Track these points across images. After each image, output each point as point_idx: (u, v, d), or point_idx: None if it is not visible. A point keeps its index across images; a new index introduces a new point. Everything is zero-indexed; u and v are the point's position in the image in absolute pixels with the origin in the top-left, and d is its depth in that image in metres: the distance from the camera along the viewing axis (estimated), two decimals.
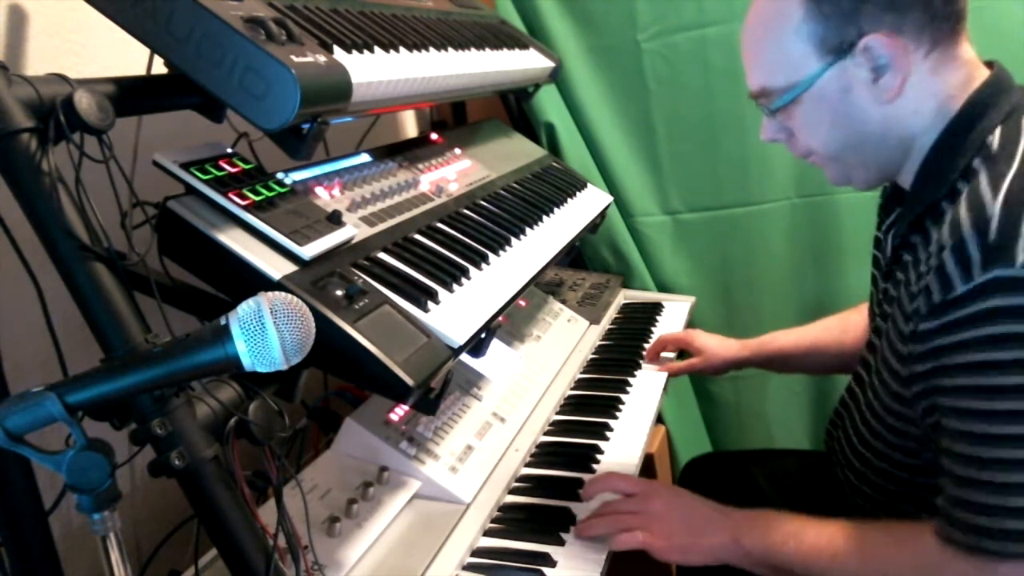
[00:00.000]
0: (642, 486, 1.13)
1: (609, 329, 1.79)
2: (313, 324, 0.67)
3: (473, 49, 1.39)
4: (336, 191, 1.12)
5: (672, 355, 1.66)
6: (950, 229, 0.85)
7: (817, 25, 0.93)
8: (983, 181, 0.87)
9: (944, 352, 0.86)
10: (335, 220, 1.00)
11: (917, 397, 0.94)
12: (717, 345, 1.58)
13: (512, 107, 2.07)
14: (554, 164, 1.78)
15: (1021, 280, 0.79)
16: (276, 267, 0.89)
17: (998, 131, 0.91)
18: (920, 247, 0.96)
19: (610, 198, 1.82)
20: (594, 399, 1.49)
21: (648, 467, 1.79)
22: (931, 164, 0.96)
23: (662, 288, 2.04)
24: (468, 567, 1.04)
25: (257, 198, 0.95)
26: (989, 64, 0.99)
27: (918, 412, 0.95)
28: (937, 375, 0.88)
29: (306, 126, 0.91)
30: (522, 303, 1.67)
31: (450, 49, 1.30)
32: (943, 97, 0.95)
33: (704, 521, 1.06)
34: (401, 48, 1.16)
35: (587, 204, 1.68)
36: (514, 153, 1.70)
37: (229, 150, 1.02)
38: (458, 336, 0.97)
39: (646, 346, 1.67)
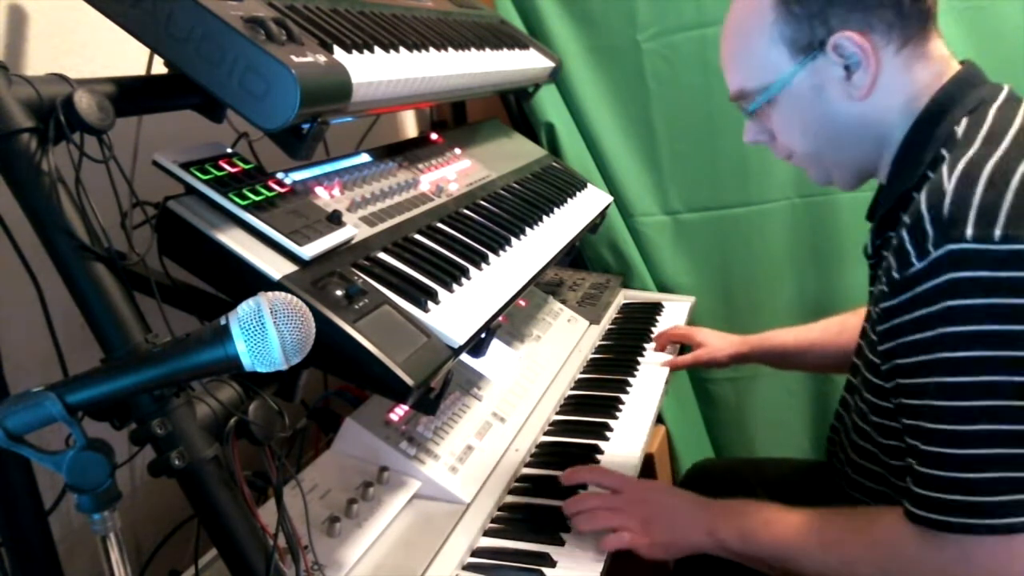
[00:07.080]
0: (625, 484, 1.15)
1: (609, 329, 1.79)
2: (313, 324, 0.67)
3: (473, 49, 1.39)
4: (336, 191, 1.12)
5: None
6: (911, 211, 0.87)
7: (787, 26, 0.96)
8: (944, 165, 0.88)
9: (903, 330, 0.87)
10: (335, 220, 1.00)
11: (886, 379, 0.94)
12: (719, 339, 1.62)
13: (512, 107, 2.06)
14: (554, 164, 1.78)
15: (972, 254, 0.80)
16: (276, 267, 0.89)
17: (964, 121, 0.93)
18: (894, 238, 0.97)
19: (610, 198, 1.82)
20: (594, 399, 1.49)
21: (648, 467, 1.79)
22: (902, 158, 0.98)
23: (662, 288, 2.04)
24: (468, 567, 1.05)
25: (257, 198, 0.95)
26: (963, 64, 1.00)
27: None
28: (898, 353, 0.89)
29: (306, 126, 0.91)
30: (522, 303, 1.67)
31: (450, 49, 1.30)
32: (912, 93, 0.97)
33: (681, 519, 1.10)
34: (401, 48, 1.16)
35: (587, 204, 1.68)
36: (514, 153, 1.70)
37: (229, 150, 1.02)
38: (458, 336, 0.97)
39: (646, 346, 1.68)
